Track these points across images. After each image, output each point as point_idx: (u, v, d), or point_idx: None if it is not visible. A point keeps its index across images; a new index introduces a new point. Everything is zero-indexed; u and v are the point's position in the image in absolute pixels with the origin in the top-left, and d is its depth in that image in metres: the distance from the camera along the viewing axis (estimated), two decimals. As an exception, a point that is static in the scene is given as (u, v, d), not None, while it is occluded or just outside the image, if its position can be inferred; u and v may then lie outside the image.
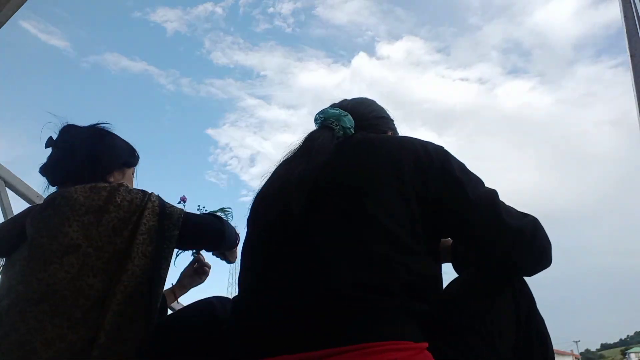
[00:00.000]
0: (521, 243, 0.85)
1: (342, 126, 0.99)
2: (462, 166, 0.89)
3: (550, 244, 0.89)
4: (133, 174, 1.41)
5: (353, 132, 1.01)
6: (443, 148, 0.91)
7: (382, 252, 0.76)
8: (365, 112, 1.10)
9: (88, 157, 1.26)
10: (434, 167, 0.85)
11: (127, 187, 1.18)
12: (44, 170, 1.28)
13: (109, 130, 1.37)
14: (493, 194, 0.87)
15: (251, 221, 0.96)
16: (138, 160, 1.42)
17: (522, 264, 0.89)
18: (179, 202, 1.37)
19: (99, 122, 1.36)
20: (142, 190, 1.19)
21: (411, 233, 0.79)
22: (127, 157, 1.37)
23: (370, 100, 1.17)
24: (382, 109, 1.16)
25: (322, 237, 0.79)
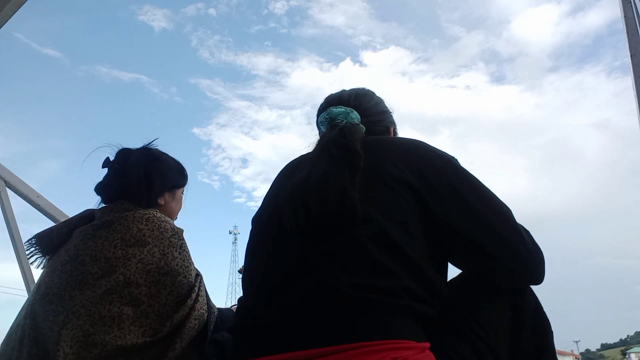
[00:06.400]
0: (538, 256, 0.87)
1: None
2: (475, 179, 0.88)
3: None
4: (183, 194, 1.48)
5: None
6: (455, 159, 0.89)
7: (386, 257, 0.75)
8: (369, 107, 1.07)
9: (142, 179, 1.31)
10: (444, 176, 0.84)
11: (180, 244, 1.20)
12: (100, 189, 1.34)
13: (161, 152, 1.43)
14: (506, 209, 0.87)
15: (258, 221, 0.94)
16: (186, 180, 1.48)
17: (538, 275, 0.89)
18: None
19: (150, 142, 1.42)
20: (192, 265, 1.22)
21: (417, 239, 0.79)
22: (178, 178, 1.43)
23: (370, 91, 1.13)
24: (382, 101, 1.13)
25: (327, 240, 0.78)
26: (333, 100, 1.09)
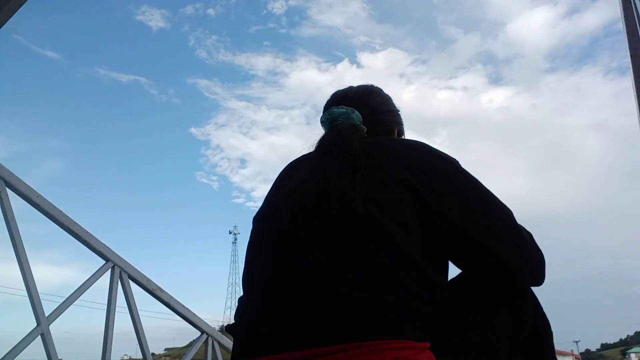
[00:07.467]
0: (538, 257, 0.88)
1: (352, 125, 0.96)
2: (476, 180, 0.88)
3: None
4: None
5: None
6: (456, 160, 0.89)
7: (387, 257, 0.75)
8: (373, 105, 1.06)
9: None
10: (444, 177, 0.84)
11: None
12: None
13: None
14: (507, 210, 0.87)
15: (259, 221, 0.94)
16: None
17: (538, 277, 0.89)
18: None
19: None
20: None
21: (418, 239, 0.79)
22: None
23: (377, 88, 1.12)
24: (389, 100, 1.12)
25: (327, 240, 0.78)
26: (338, 97, 1.09)
